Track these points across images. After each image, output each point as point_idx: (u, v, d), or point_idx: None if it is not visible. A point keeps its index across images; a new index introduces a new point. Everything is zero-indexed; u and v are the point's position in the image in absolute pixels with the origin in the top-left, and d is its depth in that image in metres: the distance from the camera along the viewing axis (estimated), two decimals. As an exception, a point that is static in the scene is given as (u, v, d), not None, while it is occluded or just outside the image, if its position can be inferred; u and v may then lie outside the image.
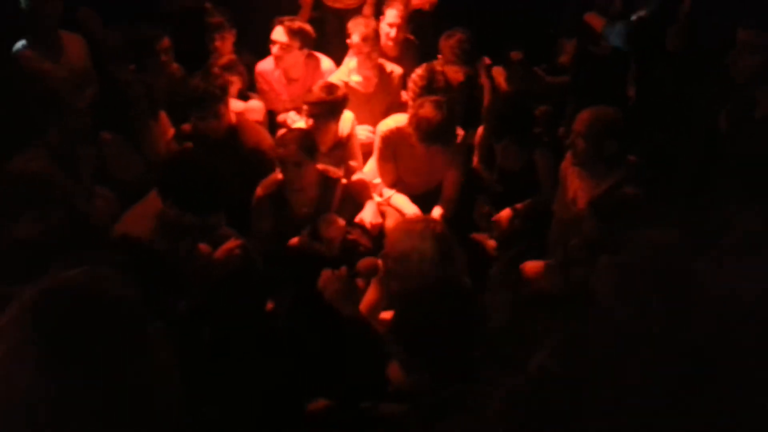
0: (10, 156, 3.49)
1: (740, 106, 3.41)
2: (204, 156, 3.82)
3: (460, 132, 4.48)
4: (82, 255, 2.53)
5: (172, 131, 4.56)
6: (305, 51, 4.93)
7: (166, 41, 4.62)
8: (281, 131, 4.64)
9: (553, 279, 2.66)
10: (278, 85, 5.06)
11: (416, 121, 4.07)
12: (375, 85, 4.96)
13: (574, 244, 3.11)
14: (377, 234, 4.02)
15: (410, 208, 4.35)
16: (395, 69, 5.07)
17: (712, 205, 2.93)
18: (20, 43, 4.42)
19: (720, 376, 1.57)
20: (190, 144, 4.31)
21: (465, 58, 4.81)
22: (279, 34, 4.81)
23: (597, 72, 4.78)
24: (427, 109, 4.03)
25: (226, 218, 3.61)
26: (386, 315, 3.10)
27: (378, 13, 5.31)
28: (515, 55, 5.26)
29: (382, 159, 4.46)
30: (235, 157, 4.11)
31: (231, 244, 3.33)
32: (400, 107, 4.86)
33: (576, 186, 3.75)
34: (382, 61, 5.02)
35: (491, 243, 4.15)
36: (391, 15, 5.13)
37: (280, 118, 5.05)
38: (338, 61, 5.18)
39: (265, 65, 5.07)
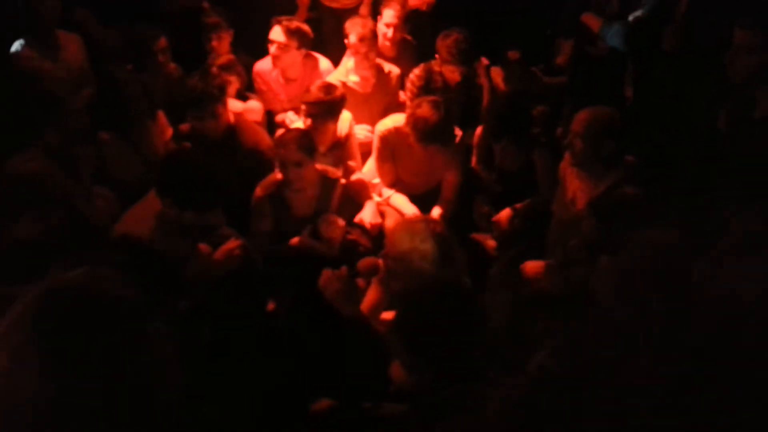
0: (9, 156, 3.49)
1: (739, 106, 3.42)
2: (202, 154, 3.83)
3: (458, 132, 4.49)
4: (81, 255, 2.53)
5: (170, 131, 4.56)
6: (303, 51, 4.93)
7: (163, 41, 4.63)
8: (280, 131, 4.65)
9: (553, 279, 2.67)
10: (276, 85, 5.06)
11: (414, 121, 4.07)
12: (373, 86, 4.96)
13: (573, 244, 3.12)
14: (377, 234, 4.03)
15: (409, 208, 4.36)
16: (393, 69, 5.07)
17: (712, 205, 2.94)
18: (18, 43, 4.41)
19: (720, 376, 1.58)
20: (188, 144, 4.31)
21: (462, 58, 4.81)
22: (277, 33, 4.81)
23: (594, 72, 4.79)
24: (425, 109, 4.04)
25: (226, 219, 3.61)
26: (387, 315, 3.11)
27: (375, 14, 5.32)
28: (513, 54, 5.26)
29: (381, 159, 4.46)
30: (233, 157, 4.11)
31: (231, 244, 3.33)
32: (398, 107, 4.87)
33: (575, 186, 3.76)
34: (379, 61, 5.02)
35: (491, 243, 4.15)
36: (388, 15, 5.13)
37: (279, 118, 5.05)
38: (336, 62, 5.18)
39: (263, 65, 5.07)
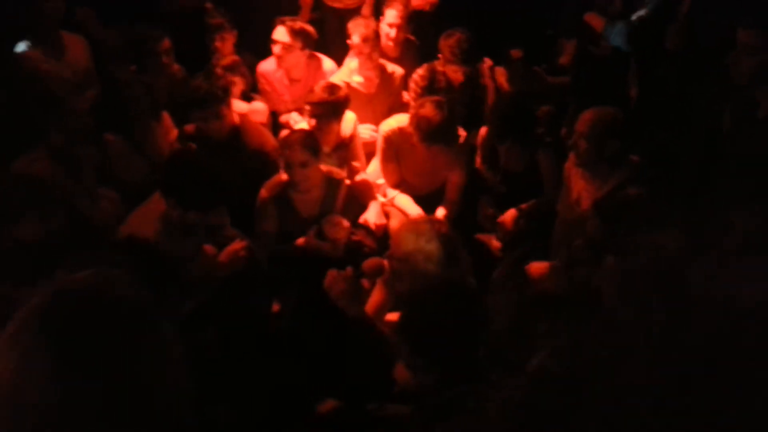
0: (13, 157, 3.50)
1: (742, 107, 3.42)
2: (206, 155, 3.84)
3: (462, 133, 4.49)
4: (86, 256, 2.55)
5: (175, 132, 4.56)
6: (307, 51, 4.94)
7: (166, 42, 4.63)
8: (284, 132, 4.65)
9: (558, 279, 2.67)
10: (280, 86, 5.07)
11: (417, 121, 4.07)
12: (376, 86, 4.97)
13: (578, 244, 3.12)
14: (381, 235, 4.04)
15: (413, 209, 4.35)
16: (396, 69, 5.07)
17: (714, 205, 2.94)
18: (23, 44, 4.42)
19: (720, 376, 1.58)
20: (193, 145, 4.32)
21: (464, 58, 4.82)
22: (281, 34, 4.82)
23: (598, 72, 4.79)
24: (428, 109, 4.04)
25: (231, 220, 3.62)
26: (392, 316, 3.12)
27: (378, 14, 5.32)
28: (515, 53, 5.25)
29: (385, 159, 4.47)
30: (238, 158, 4.12)
31: (236, 245, 3.34)
32: (402, 108, 4.86)
33: (579, 187, 3.76)
34: (383, 61, 5.02)
35: (496, 243, 4.15)
36: (391, 15, 5.13)
37: (283, 118, 5.05)
38: (339, 62, 5.18)
39: (267, 66, 5.08)
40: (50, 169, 3.51)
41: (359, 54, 4.84)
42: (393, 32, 5.14)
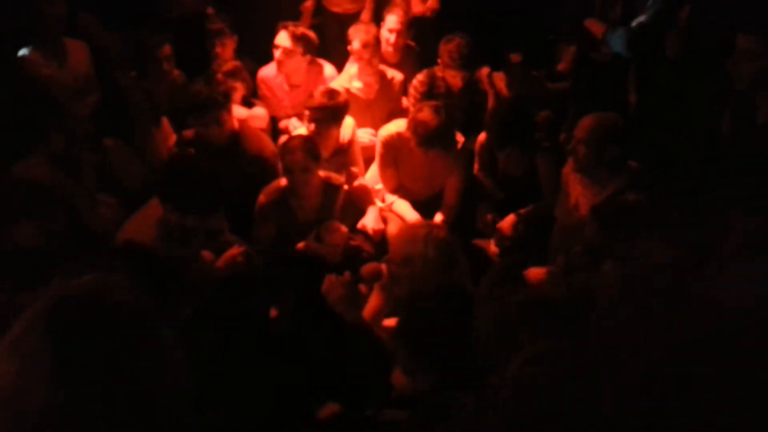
0: (13, 161, 3.50)
1: (741, 112, 3.42)
2: (204, 160, 3.84)
3: (460, 138, 4.49)
4: (84, 261, 2.55)
5: (174, 137, 4.57)
6: (308, 57, 4.95)
7: (167, 48, 4.64)
8: (283, 138, 4.65)
9: (556, 285, 2.67)
10: (280, 92, 5.07)
11: (414, 125, 4.07)
12: (376, 92, 4.97)
13: (576, 250, 3.12)
14: (380, 240, 4.04)
15: (411, 215, 4.35)
16: (396, 75, 5.08)
17: (713, 208, 2.93)
18: (25, 49, 4.43)
19: (720, 376, 1.58)
20: (191, 150, 4.32)
21: (463, 63, 4.82)
22: (283, 38, 4.83)
23: (598, 78, 4.79)
24: (425, 113, 4.03)
25: (229, 225, 3.62)
26: (389, 322, 3.11)
27: (378, 19, 5.33)
28: (515, 57, 5.24)
29: (384, 164, 4.46)
30: (237, 163, 4.12)
31: (234, 250, 3.34)
32: (402, 113, 4.86)
33: (578, 192, 3.76)
34: (383, 67, 5.03)
35: (493, 249, 4.15)
36: (391, 21, 5.14)
37: (282, 124, 5.06)
38: (339, 68, 5.19)
39: (267, 72, 5.08)
40: (50, 173, 3.51)
41: (359, 60, 4.84)
42: (393, 38, 5.14)
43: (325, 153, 4.23)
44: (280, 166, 4.05)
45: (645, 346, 1.66)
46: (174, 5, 5.37)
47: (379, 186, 4.51)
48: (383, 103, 5.01)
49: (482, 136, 4.53)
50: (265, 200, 3.96)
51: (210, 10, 5.33)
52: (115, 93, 4.51)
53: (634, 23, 4.53)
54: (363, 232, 4.03)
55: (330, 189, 4.04)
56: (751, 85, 3.32)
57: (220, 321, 3.26)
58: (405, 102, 5.11)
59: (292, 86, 5.04)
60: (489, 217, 4.31)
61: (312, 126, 4.29)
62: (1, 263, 2.86)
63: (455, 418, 2.01)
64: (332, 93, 4.33)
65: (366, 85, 4.92)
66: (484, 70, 5.11)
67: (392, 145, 4.38)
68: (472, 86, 5.04)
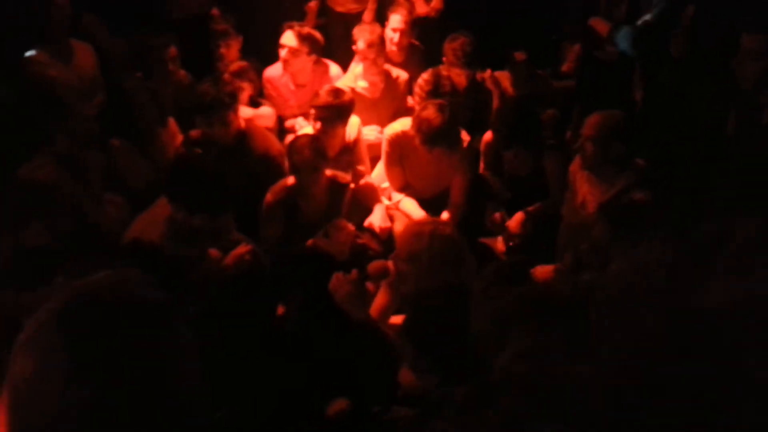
0: (19, 164, 3.51)
1: (746, 111, 3.42)
2: (211, 159, 3.84)
3: (466, 137, 4.49)
4: (91, 261, 2.55)
5: (180, 138, 4.58)
6: (314, 57, 4.95)
7: (173, 50, 4.64)
8: (289, 137, 4.66)
9: (563, 283, 2.66)
10: (286, 91, 5.08)
11: (418, 123, 4.07)
12: (381, 91, 4.97)
13: (584, 248, 3.12)
14: (386, 238, 4.04)
15: (418, 213, 4.34)
16: (401, 74, 5.08)
17: (715, 208, 2.93)
18: (31, 50, 4.44)
19: (720, 376, 1.57)
20: (198, 150, 4.33)
21: (467, 61, 4.83)
22: (289, 38, 4.83)
23: (603, 76, 4.79)
24: (430, 112, 4.03)
25: (237, 225, 3.62)
26: (396, 319, 3.11)
27: (382, 19, 5.33)
28: (519, 55, 5.24)
29: (390, 163, 4.46)
30: (244, 163, 4.13)
31: (241, 249, 3.34)
32: (407, 112, 4.86)
33: (585, 190, 3.75)
34: (387, 66, 5.03)
35: (500, 247, 4.15)
36: (395, 20, 5.15)
37: (288, 124, 5.06)
38: (344, 68, 5.19)
39: (273, 71, 5.09)
40: (56, 174, 3.51)
41: (364, 59, 4.85)
42: (397, 37, 5.15)
43: (331, 152, 4.23)
44: (286, 165, 4.05)
45: (643, 346, 1.65)
46: (177, 6, 5.38)
47: (386, 184, 4.51)
48: (388, 102, 5.01)
49: (488, 136, 4.53)
50: (272, 199, 3.96)
51: (215, 12, 5.34)
52: (121, 94, 4.51)
53: (639, 22, 4.53)
54: (370, 230, 4.03)
55: (337, 187, 4.05)
56: (756, 85, 3.32)
57: (227, 319, 3.26)
58: (410, 101, 5.11)
59: (297, 86, 5.05)
60: (498, 215, 4.31)
61: (318, 125, 4.29)
62: (9, 263, 2.87)
63: (456, 417, 2.01)
64: (338, 92, 4.34)
65: (371, 84, 4.92)
66: (487, 73, 5.10)
67: (398, 144, 4.38)
68: (477, 85, 5.04)
